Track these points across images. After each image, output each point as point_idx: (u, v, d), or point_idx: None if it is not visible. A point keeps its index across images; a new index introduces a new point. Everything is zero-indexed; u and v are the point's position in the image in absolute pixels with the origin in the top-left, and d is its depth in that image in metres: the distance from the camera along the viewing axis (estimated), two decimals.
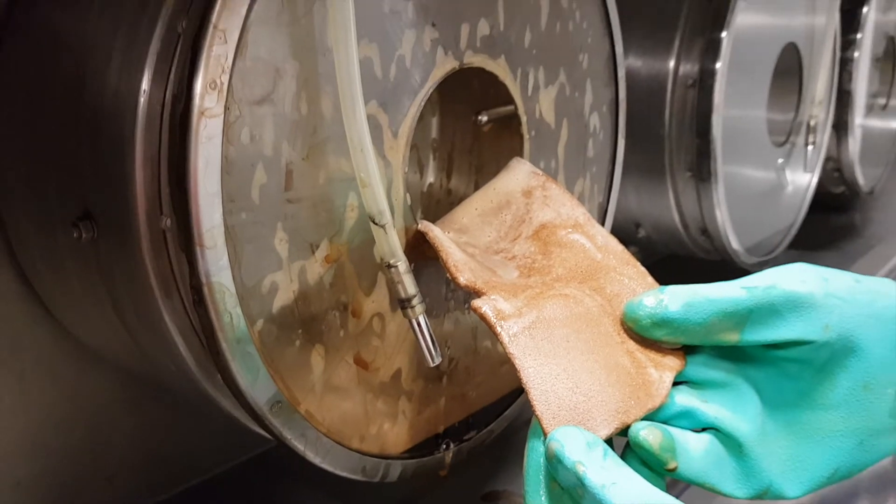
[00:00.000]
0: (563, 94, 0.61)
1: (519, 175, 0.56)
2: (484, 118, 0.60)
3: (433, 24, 0.48)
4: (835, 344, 0.44)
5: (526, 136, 0.58)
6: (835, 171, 1.31)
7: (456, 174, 0.63)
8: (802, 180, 1.07)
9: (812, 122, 1.01)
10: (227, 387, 0.42)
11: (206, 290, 0.39)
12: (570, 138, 0.63)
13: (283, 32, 0.41)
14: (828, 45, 1.00)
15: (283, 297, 0.43)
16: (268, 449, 0.72)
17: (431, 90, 0.49)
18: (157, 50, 0.41)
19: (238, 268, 0.40)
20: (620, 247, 0.51)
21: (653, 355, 0.45)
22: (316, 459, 0.46)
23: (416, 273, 0.46)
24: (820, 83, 0.99)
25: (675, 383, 0.45)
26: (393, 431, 0.51)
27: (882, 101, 1.42)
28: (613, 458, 0.39)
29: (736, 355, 0.46)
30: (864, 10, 1.22)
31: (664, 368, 0.45)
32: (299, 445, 0.45)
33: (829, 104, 1.09)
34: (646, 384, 0.44)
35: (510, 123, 0.59)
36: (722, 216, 0.87)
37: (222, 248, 0.39)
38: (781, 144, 1.00)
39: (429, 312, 0.47)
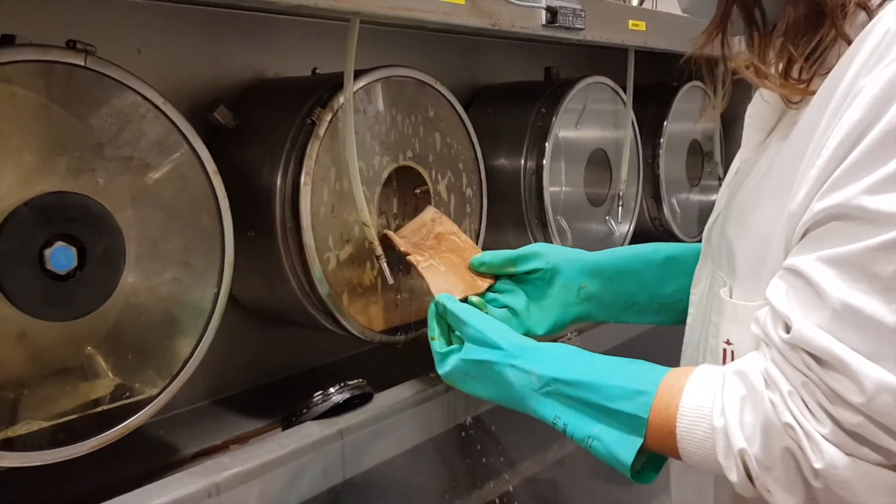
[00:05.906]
0: (451, 182, 1.30)
1: (429, 213, 1.25)
2: (418, 190, 1.29)
3: (387, 149, 1.18)
4: (552, 270, 1.12)
5: (433, 200, 1.27)
6: (660, 227, 2.01)
7: (407, 217, 1.32)
8: (623, 228, 1.77)
9: (621, 193, 1.71)
10: (311, 291, 1.10)
11: (306, 249, 1.07)
12: (456, 203, 1.32)
13: (331, 153, 1.10)
14: (627, 148, 1.70)
15: (333, 262, 1.11)
16: (320, 365, 1.38)
17: (385, 177, 1.19)
18: (284, 165, 1.10)
19: (315, 244, 1.08)
20: (471, 242, 1.20)
21: (480, 277, 1.13)
22: (345, 324, 1.13)
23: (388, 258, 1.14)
24: (623, 170, 1.69)
25: (492, 291, 1.13)
26: (377, 320, 1.18)
27: (696, 181, 2.13)
28: (460, 303, 1.06)
29: (515, 279, 1.14)
30: (665, 123, 1.95)
31: (485, 281, 1.13)
32: (339, 316, 1.12)
33: (638, 181, 1.80)
34: (476, 285, 1.12)
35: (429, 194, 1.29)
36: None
37: (311, 234, 1.07)
38: (600, 205, 1.70)
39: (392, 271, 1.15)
